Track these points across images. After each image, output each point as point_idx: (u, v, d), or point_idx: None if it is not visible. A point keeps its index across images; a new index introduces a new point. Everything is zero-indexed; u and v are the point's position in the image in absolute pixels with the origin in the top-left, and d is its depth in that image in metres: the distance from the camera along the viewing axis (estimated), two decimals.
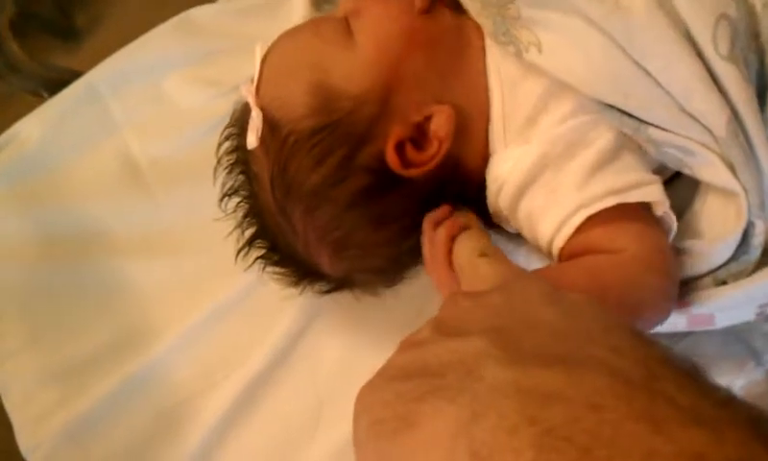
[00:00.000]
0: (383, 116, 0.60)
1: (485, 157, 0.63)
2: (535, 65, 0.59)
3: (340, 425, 0.69)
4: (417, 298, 0.70)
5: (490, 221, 0.66)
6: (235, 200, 0.68)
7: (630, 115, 0.57)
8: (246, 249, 0.68)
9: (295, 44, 0.65)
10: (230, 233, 0.68)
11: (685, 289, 0.60)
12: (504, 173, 0.61)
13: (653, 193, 0.57)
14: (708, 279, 0.60)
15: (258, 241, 0.68)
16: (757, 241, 0.58)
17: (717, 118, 0.55)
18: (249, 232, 0.68)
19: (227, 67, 0.85)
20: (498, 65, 0.63)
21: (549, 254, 0.61)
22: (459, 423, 0.29)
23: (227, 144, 0.68)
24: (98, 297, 0.78)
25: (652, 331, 0.58)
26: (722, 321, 0.60)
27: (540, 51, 0.59)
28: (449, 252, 0.57)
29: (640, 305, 0.55)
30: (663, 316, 0.57)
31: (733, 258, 0.59)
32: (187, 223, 0.79)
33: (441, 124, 0.60)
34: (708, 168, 0.57)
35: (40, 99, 0.91)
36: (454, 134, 0.60)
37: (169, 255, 0.79)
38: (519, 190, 0.60)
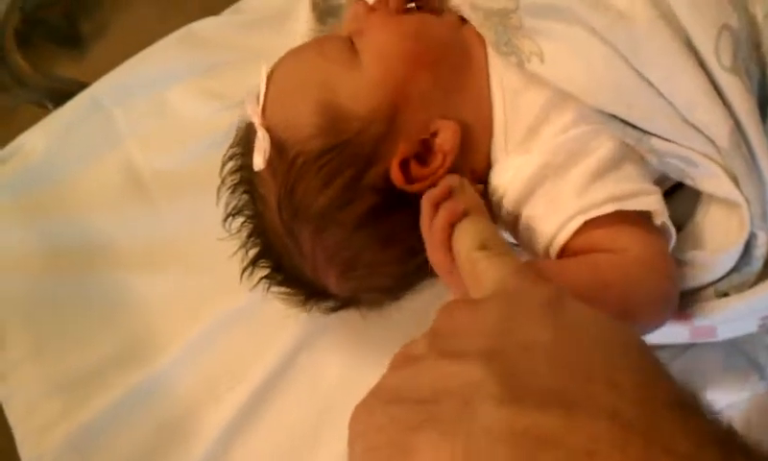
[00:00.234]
0: (390, 135, 0.60)
1: (488, 168, 0.63)
2: (537, 75, 0.59)
3: (342, 438, 0.69)
4: (419, 312, 0.69)
5: None
6: (239, 219, 0.68)
7: (632, 126, 0.57)
8: (250, 268, 0.67)
9: (300, 64, 0.65)
10: (235, 253, 0.68)
11: (687, 301, 0.60)
12: (505, 182, 0.61)
13: (652, 203, 0.57)
14: (710, 291, 0.60)
15: (263, 261, 0.67)
16: (760, 252, 0.57)
17: (720, 129, 0.54)
18: (253, 252, 0.67)
19: (231, 80, 0.85)
20: (501, 76, 0.63)
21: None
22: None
23: (230, 164, 0.67)
24: (102, 308, 0.78)
25: (655, 345, 0.58)
26: (724, 333, 0.60)
27: (542, 61, 0.59)
28: (449, 238, 0.54)
29: (640, 306, 0.55)
30: (662, 320, 0.57)
31: (735, 270, 0.58)
32: (191, 235, 0.79)
33: (446, 138, 0.60)
34: (710, 179, 0.57)
35: (45, 110, 0.91)
36: (459, 147, 0.60)
37: (172, 268, 0.79)
38: (520, 200, 0.60)
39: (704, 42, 0.54)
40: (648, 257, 0.56)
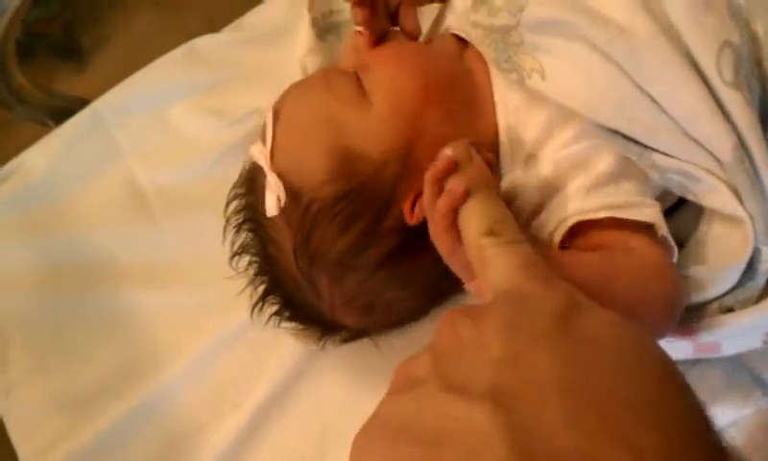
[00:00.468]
0: (404, 175, 0.60)
1: None
2: (538, 92, 0.59)
3: (346, 453, 0.68)
4: (424, 329, 0.69)
5: None
6: (245, 255, 0.67)
7: (634, 141, 0.57)
8: (260, 304, 0.67)
9: (308, 105, 0.64)
10: (243, 290, 0.67)
11: (691, 316, 0.60)
12: (508, 197, 0.61)
13: (650, 214, 0.57)
14: (714, 306, 0.60)
15: (272, 297, 0.67)
16: (764, 268, 0.57)
17: (723, 144, 0.55)
18: (262, 289, 0.67)
19: (232, 97, 0.85)
20: (504, 97, 0.63)
21: None
22: None
23: (235, 203, 0.67)
24: (103, 326, 0.78)
25: None
26: (728, 348, 0.60)
27: (543, 77, 0.59)
28: (453, 223, 0.51)
29: (647, 305, 0.54)
30: (667, 324, 0.56)
31: (740, 285, 0.58)
32: (192, 252, 0.79)
33: None
34: (712, 195, 0.57)
35: (46, 128, 0.91)
36: None
37: (174, 285, 0.79)
38: (521, 215, 0.60)
39: (705, 57, 0.55)
40: (654, 259, 0.56)
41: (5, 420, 0.75)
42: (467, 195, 0.49)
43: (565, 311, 0.34)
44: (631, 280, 0.54)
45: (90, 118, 0.87)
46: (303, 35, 0.81)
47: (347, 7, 0.82)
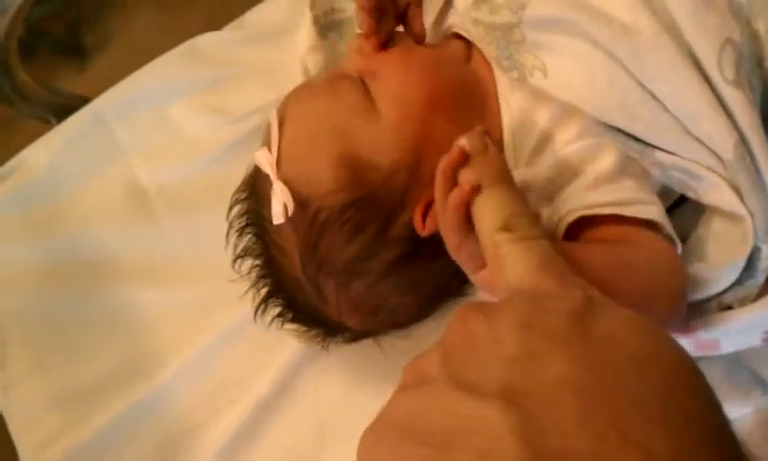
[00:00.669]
0: (412, 183, 0.59)
1: None
2: (540, 90, 0.59)
3: (343, 452, 0.69)
4: (425, 327, 0.69)
5: None
6: (246, 255, 0.67)
7: (636, 139, 0.57)
8: (263, 306, 0.67)
9: (314, 112, 0.63)
10: (246, 293, 0.67)
11: (691, 313, 0.60)
12: None
13: (652, 212, 0.57)
14: (713, 304, 0.60)
15: (275, 300, 0.67)
16: (763, 265, 0.57)
17: (725, 142, 0.55)
18: (265, 291, 0.67)
19: (233, 95, 0.85)
20: (508, 98, 0.63)
21: None
22: None
23: (237, 207, 0.66)
24: (103, 323, 0.78)
25: None
26: (727, 346, 0.60)
27: (545, 75, 0.59)
28: (463, 217, 0.50)
29: (657, 295, 0.54)
30: (675, 314, 0.56)
31: (739, 283, 0.58)
32: (193, 250, 0.79)
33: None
34: (713, 192, 0.57)
35: (48, 125, 0.91)
36: None
37: (174, 283, 0.79)
38: None
39: (707, 56, 0.55)
40: (662, 251, 0.56)
41: (5, 416, 0.75)
42: (478, 189, 0.48)
43: (581, 310, 0.33)
44: (641, 271, 0.55)
45: (91, 116, 0.87)
46: (305, 33, 0.82)
47: (349, 5, 0.82)
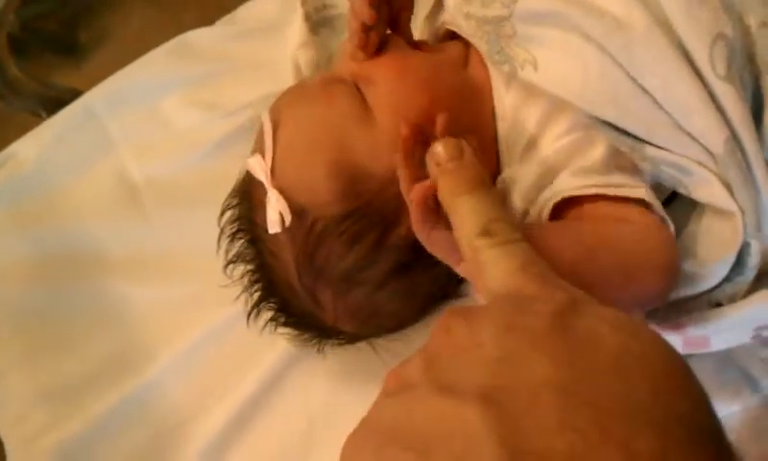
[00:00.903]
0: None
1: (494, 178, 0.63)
2: (530, 83, 0.59)
3: (332, 448, 0.68)
4: (417, 329, 0.69)
5: None
6: (238, 261, 0.67)
7: (627, 133, 0.57)
8: (256, 310, 0.67)
9: (309, 119, 0.62)
10: (238, 297, 0.67)
11: (680, 310, 0.60)
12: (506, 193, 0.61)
13: (639, 192, 0.56)
14: (702, 300, 0.60)
15: (268, 303, 0.66)
16: (753, 262, 0.57)
17: (716, 137, 0.55)
18: (258, 296, 0.66)
19: (224, 90, 0.85)
20: (503, 98, 0.63)
21: None
22: None
23: (229, 213, 0.66)
24: (92, 317, 0.78)
25: None
26: (717, 343, 0.60)
27: (535, 68, 0.59)
28: (430, 211, 0.51)
29: (642, 269, 0.53)
30: (664, 289, 0.55)
31: (728, 279, 0.58)
32: (183, 245, 0.79)
33: None
34: (704, 187, 0.57)
35: (39, 119, 0.91)
36: None
37: (164, 277, 0.78)
38: (517, 208, 0.60)
39: (698, 51, 0.55)
40: (651, 225, 0.56)
41: None
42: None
43: (563, 311, 0.33)
44: (629, 244, 0.54)
45: (82, 110, 0.87)
46: (296, 28, 0.82)
47: (340, 1, 0.82)
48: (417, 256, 0.59)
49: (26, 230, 0.82)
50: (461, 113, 0.60)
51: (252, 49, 0.87)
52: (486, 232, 0.42)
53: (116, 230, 0.81)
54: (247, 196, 0.64)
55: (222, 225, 0.66)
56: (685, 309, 0.59)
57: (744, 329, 0.59)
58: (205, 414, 0.72)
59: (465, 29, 0.65)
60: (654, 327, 0.58)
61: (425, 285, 0.63)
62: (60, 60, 1.21)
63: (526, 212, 0.60)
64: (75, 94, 0.89)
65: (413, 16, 0.67)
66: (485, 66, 0.64)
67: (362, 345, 0.69)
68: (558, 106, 0.59)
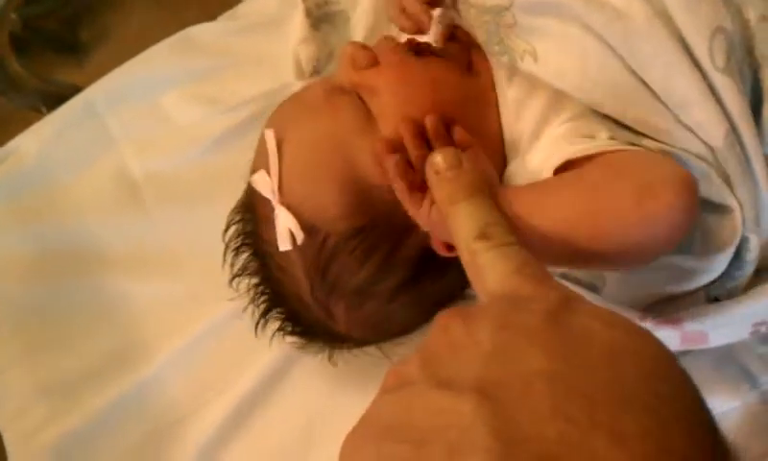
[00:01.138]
0: None
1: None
2: (530, 75, 0.59)
3: (332, 445, 0.68)
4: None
5: None
6: (244, 274, 0.67)
7: (626, 127, 0.57)
8: (263, 320, 0.67)
9: (313, 133, 0.61)
10: (245, 309, 0.67)
11: (678, 305, 0.59)
12: (512, 183, 0.60)
13: (653, 147, 0.55)
14: (700, 295, 0.60)
15: (276, 314, 0.67)
16: (751, 256, 0.57)
17: (715, 130, 0.54)
18: (265, 306, 0.66)
19: (225, 85, 0.85)
20: (505, 93, 0.62)
21: None
22: None
23: (234, 228, 0.66)
24: (92, 313, 0.78)
25: None
26: (716, 339, 0.60)
27: (535, 60, 0.58)
28: (415, 188, 0.52)
29: (657, 180, 0.49)
30: (682, 210, 0.49)
31: (727, 274, 0.58)
32: (183, 241, 0.79)
33: None
34: (703, 181, 0.56)
35: (40, 115, 0.91)
36: None
37: (164, 273, 0.78)
38: None
39: (698, 43, 0.55)
40: (657, 154, 0.54)
41: None
42: (454, 202, 0.48)
43: (558, 309, 0.34)
44: (639, 164, 0.52)
45: (83, 105, 0.87)
46: (297, 24, 0.82)
47: None
48: (427, 267, 0.59)
49: (26, 225, 0.82)
50: (466, 118, 0.60)
51: (254, 44, 0.87)
52: (483, 236, 0.43)
53: (116, 226, 0.81)
54: (251, 211, 0.64)
55: (226, 240, 0.66)
56: (683, 304, 0.59)
57: (742, 325, 0.59)
58: (205, 410, 0.72)
59: (464, 17, 0.65)
60: (651, 322, 0.58)
61: (435, 293, 0.63)
62: (61, 58, 1.21)
63: None
64: (76, 90, 0.89)
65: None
66: (488, 67, 0.64)
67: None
68: (559, 97, 0.59)
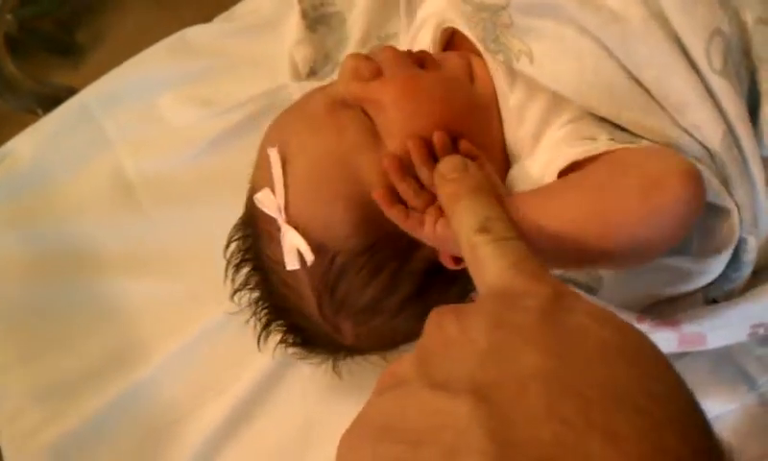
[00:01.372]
0: None
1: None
2: (530, 78, 0.59)
3: (329, 447, 0.68)
4: None
5: None
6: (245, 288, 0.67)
7: (623, 129, 0.57)
8: (264, 332, 0.67)
9: (317, 150, 0.59)
10: (247, 321, 0.67)
11: (676, 307, 0.59)
12: (515, 187, 0.60)
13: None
14: (698, 297, 0.60)
15: (278, 326, 0.67)
16: (749, 258, 0.57)
17: (712, 132, 0.54)
18: (267, 319, 0.66)
19: (221, 87, 0.85)
20: (507, 97, 0.62)
21: None
22: None
23: (235, 244, 0.66)
24: (89, 314, 0.77)
25: None
26: (714, 341, 0.59)
27: (531, 61, 0.58)
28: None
29: (662, 173, 0.49)
30: (688, 200, 0.49)
31: (724, 275, 0.58)
32: (179, 242, 0.79)
33: None
34: None
35: (35, 117, 0.91)
36: None
37: (160, 274, 0.78)
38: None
39: (695, 45, 0.54)
40: (660, 147, 0.54)
41: None
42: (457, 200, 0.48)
43: (552, 306, 0.34)
44: (643, 159, 0.52)
45: (78, 107, 0.87)
46: (293, 25, 0.82)
47: None
48: (434, 280, 0.59)
49: (22, 226, 0.82)
50: (471, 129, 0.59)
51: (250, 46, 0.87)
52: (483, 229, 0.43)
53: (112, 227, 0.81)
54: (252, 226, 0.64)
55: (228, 257, 0.66)
56: (681, 306, 0.59)
57: (740, 326, 0.59)
58: (202, 411, 0.72)
59: (462, 14, 0.64)
60: (649, 323, 0.58)
61: (444, 301, 0.63)
62: (57, 60, 1.21)
63: None
64: (71, 92, 0.89)
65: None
66: (487, 74, 0.63)
67: None
68: (558, 100, 0.58)
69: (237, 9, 0.92)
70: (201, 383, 0.73)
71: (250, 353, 0.72)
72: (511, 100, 0.62)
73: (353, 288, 0.59)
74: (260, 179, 0.61)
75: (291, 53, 0.80)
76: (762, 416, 0.63)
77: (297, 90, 0.80)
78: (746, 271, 0.58)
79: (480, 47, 0.62)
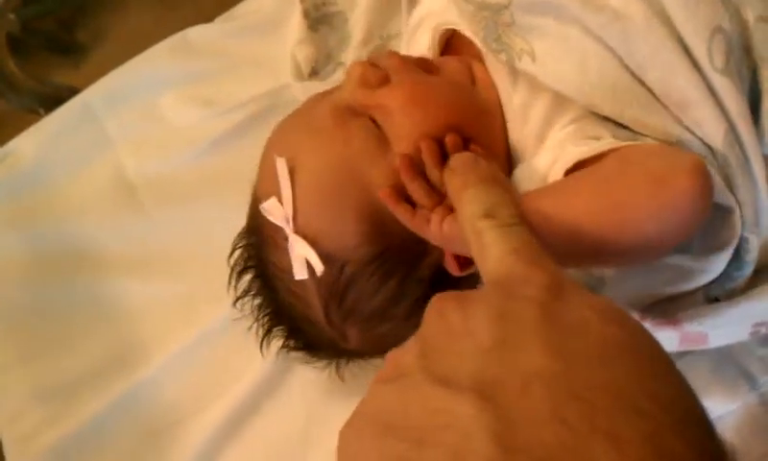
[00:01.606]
0: None
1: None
2: (532, 77, 0.59)
3: (330, 446, 0.68)
4: None
5: None
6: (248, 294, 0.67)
7: (625, 127, 0.56)
8: (267, 337, 0.67)
9: (327, 161, 0.59)
10: (250, 328, 0.67)
11: (677, 306, 0.59)
12: (520, 187, 0.60)
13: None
14: (699, 296, 0.60)
15: (280, 331, 0.67)
16: (751, 257, 0.57)
17: (714, 130, 0.54)
18: (269, 324, 0.67)
19: (222, 87, 0.85)
20: (510, 98, 0.62)
21: None
22: None
23: (239, 251, 0.66)
24: (89, 315, 0.78)
25: None
26: (715, 340, 0.59)
27: (533, 60, 0.58)
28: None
29: (670, 169, 0.49)
30: (696, 196, 0.49)
31: (725, 274, 0.58)
32: (181, 243, 0.79)
33: None
34: None
35: (37, 116, 0.91)
36: None
37: (162, 275, 0.78)
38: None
39: (697, 44, 0.54)
40: (665, 145, 0.54)
41: None
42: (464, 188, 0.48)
43: (552, 296, 0.34)
44: (651, 155, 0.52)
45: (80, 107, 0.87)
46: (295, 25, 0.82)
47: None
48: (441, 286, 0.58)
49: (23, 226, 0.82)
50: (477, 133, 0.59)
51: (252, 46, 0.87)
52: (488, 215, 0.43)
53: (113, 228, 0.81)
54: (257, 234, 0.63)
55: (231, 264, 0.66)
56: (683, 305, 0.59)
57: (742, 326, 0.59)
58: (202, 412, 0.72)
59: (464, 13, 0.64)
60: (651, 322, 0.58)
61: None
62: (58, 59, 1.20)
63: None
64: (73, 92, 0.89)
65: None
66: (490, 79, 0.63)
67: None
68: (561, 99, 0.58)
69: (239, 8, 0.91)
70: (202, 384, 0.74)
71: (251, 354, 0.72)
72: (515, 99, 0.62)
73: (362, 296, 0.59)
74: (265, 187, 0.61)
75: (293, 53, 0.80)
76: (764, 416, 0.63)
77: (299, 90, 0.80)
78: (747, 270, 0.57)
79: (482, 47, 0.62)
